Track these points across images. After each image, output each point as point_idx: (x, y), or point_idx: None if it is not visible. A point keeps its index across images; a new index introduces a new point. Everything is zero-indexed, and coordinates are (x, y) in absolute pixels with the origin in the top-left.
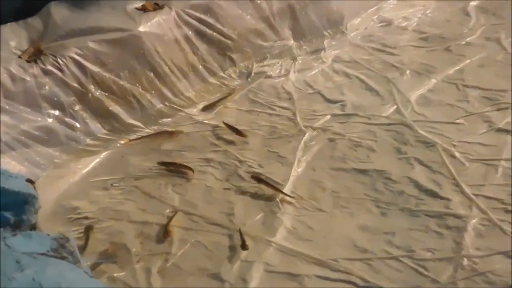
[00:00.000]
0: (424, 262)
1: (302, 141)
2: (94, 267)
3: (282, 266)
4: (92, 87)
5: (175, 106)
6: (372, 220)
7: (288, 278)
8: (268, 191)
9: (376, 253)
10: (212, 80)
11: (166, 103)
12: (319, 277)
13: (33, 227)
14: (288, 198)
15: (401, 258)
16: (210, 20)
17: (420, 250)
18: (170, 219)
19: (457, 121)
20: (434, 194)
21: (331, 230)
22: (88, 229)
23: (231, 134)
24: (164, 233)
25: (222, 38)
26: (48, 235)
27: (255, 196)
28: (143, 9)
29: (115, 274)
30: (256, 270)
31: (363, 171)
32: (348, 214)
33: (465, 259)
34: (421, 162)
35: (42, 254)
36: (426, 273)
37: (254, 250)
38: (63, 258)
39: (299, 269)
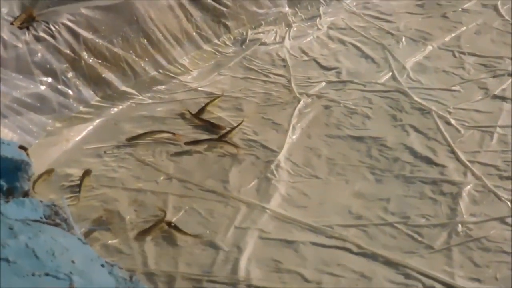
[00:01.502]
0: (418, 228)
1: (297, 108)
2: (87, 234)
3: (277, 233)
4: (85, 54)
5: (169, 73)
6: (367, 187)
7: (283, 245)
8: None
9: (371, 220)
10: (206, 47)
11: (160, 70)
12: (314, 243)
13: (26, 194)
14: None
15: (396, 224)
16: None
17: (415, 216)
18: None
19: (453, 88)
20: (429, 161)
21: (326, 197)
22: (85, 174)
23: (227, 101)
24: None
25: (216, 5)
26: (41, 201)
27: (249, 163)
28: None
29: (109, 241)
30: (251, 237)
31: (359, 138)
32: (343, 181)
33: (460, 225)
34: (416, 129)
35: (35, 221)
36: (420, 239)
37: (248, 216)
38: (56, 225)
39: (294, 236)
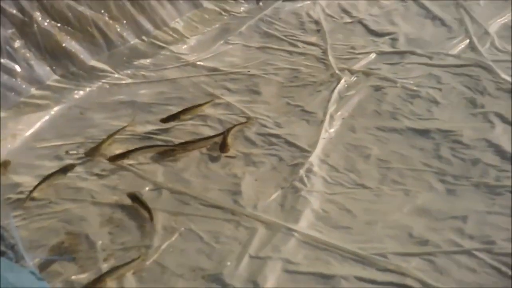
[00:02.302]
0: (507, 257)
1: (336, 90)
2: (44, 266)
3: (308, 264)
4: (38, 15)
5: (157, 42)
6: (435, 201)
7: (316, 280)
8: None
9: (440, 246)
10: (208, 4)
11: (144, 37)
12: (360, 279)
13: None
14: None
15: (475, 252)
16: None
17: (501, 241)
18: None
19: None
20: None
21: (377, 214)
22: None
23: (238, 81)
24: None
25: None
26: None
27: (270, 167)
28: None
29: (73, 277)
30: (272, 270)
31: (423, 132)
32: (401, 191)
33: None
34: (504, 119)
35: None
36: (510, 272)
37: (269, 241)
38: (0, 253)
39: (332, 269)
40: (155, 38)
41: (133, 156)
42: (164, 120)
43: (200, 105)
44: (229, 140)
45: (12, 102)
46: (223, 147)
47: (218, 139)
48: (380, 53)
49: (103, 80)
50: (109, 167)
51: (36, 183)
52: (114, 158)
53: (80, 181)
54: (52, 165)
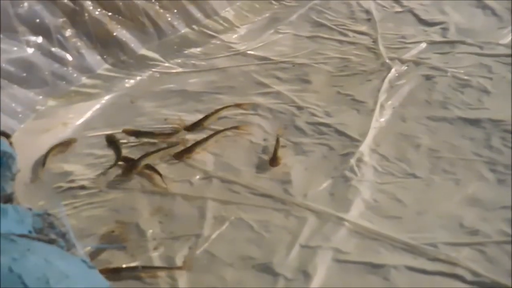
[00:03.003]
0: None
1: (387, 79)
2: (95, 254)
3: (359, 254)
4: (89, 4)
5: (207, 31)
6: (486, 190)
7: (367, 270)
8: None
9: (491, 236)
10: None
11: (194, 26)
12: (411, 268)
13: (10, 199)
14: None
15: None
16: None
17: None
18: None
19: None
20: None
21: (428, 204)
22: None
23: (288, 70)
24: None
25: None
26: (30, 210)
27: (320, 156)
28: None
29: (124, 265)
30: (323, 259)
31: (473, 122)
32: (452, 181)
33: None
34: None
35: (22, 236)
36: None
37: (319, 231)
38: (51, 241)
39: (383, 258)
40: (205, 27)
41: (197, 149)
42: (188, 129)
43: (220, 109)
44: (279, 153)
45: (63, 90)
46: (274, 160)
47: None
48: (431, 43)
49: (153, 69)
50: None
51: (86, 171)
52: (179, 155)
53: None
54: (102, 154)
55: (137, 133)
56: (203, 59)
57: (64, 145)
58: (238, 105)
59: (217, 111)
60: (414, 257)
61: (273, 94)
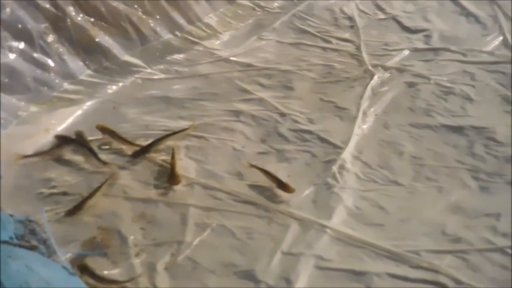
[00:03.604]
0: None
1: (370, 86)
2: (76, 261)
3: (341, 261)
4: (71, 10)
5: (190, 37)
6: (469, 198)
7: (349, 277)
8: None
9: (473, 244)
10: (242, 0)
11: (177, 32)
12: (393, 276)
13: None
14: None
15: (508, 250)
16: None
17: None
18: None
19: None
20: None
21: (410, 212)
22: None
23: (272, 76)
24: (171, 176)
25: None
26: (12, 216)
27: (303, 163)
28: None
29: (105, 272)
30: (305, 266)
31: (456, 129)
32: (434, 188)
33: None
34: None
35: (4, 242)
36: None
37: (302, 238)
38: (32, 248)
39: (365, 265)
40: (189, 33)
41: (154, 149)
42: (134, 155)
43: (169, 135)
44: (177, 169)
45: (45, 96)
46: (172, 178)
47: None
48: (414, 50)
49: (136, 75)
50: (142, 162)
51: (67, 177)
52: (137, 153)
53: (112, 175)
54: (83, 160)
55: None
56: (186, 65)
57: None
58: (184, 130)
59: (163, 138)
60: (396, 265)
61: (256, 100)
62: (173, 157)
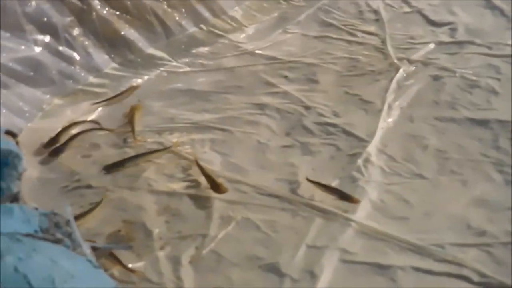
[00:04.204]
0: None
1: (395, 80)
2: (101, 254)
3: (365, 254)
4: (96, 3)
5: (215, 30)
6: (494, 191)
7: (373, 270)
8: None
9: (498, 237)
10: None
11: (202, 25)
12: (417, 269)
13: (16, 199)
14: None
15: None
16: None
17: None
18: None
19: None
20: None
21: (435, 205)
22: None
23: (296, 69)
24: (214, 185)
25: None
26: (36, 209)
27: (328, 156)
28: None
29: (129, 265)
30: (329, 259)
31: (481, 122)
32: (459, 182)
33: None
34: None
35: (28, 235)
36: None
37: (326, 231)
38: (57, 241)
39: (389, 259)
40: (214, 26)
41: (129, 164)
42: (106, 169)
43: (150, 153)
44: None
45: (70, 89)
46: (215, 186)
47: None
48: (439, 43)
49: (161, 68)
50: (167, 155)
51: (92, 171)
52: (109, 168)
53: (137, 169)
54: (109, 153)
55: None
56: (211, 58)
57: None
58: (167, 148)
59: (141, 156)
60: (421, 258)
61: (280, 94)
62: (200, 166)
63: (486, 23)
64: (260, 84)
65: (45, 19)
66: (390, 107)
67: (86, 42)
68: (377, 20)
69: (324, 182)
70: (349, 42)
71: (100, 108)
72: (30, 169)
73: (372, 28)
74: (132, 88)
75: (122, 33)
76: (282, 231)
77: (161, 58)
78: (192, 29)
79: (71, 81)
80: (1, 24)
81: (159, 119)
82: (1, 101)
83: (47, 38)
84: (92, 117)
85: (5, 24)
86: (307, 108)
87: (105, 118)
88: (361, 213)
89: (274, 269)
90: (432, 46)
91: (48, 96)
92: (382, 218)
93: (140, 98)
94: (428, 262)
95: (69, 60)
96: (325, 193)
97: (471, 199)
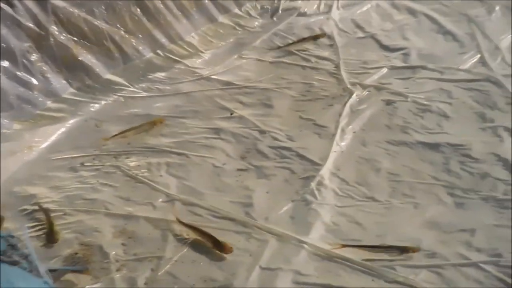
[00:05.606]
0: None
1: (348, 104)
2: (58, 276)
3: (318, 276)
4: (54, 29)
5: (172, 56)
6: (444, 214)
7: None
8: (302, 171)
9: (448, 258)
10: (223, 19)
11: (159, 51)
12: None
13: None
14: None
15: (483, 265)
16: None
17: (509, 254)
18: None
19: None
20: None
21: (387, 227)
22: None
23: (251, 95)
24: (49, 235)
25: None
26: None
27: (282, 179)
28: None
29: (86, 287)
30: (283, 281)
31: (433, 146)
32: (411, 204)
33: None
34: None
35: None
36: None
37: (280, 253)
38: (14, 263)
39: (342, 280)
40: (170, 52)
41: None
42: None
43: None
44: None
45: (28, 114)
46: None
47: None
48: (392, 68)
49: (118, 93)
50: (123, 179)
51: (50, 194)
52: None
53: (94, 192)
54: (66, 176)
55: None
56: (168, 83)
57: (150, 125)
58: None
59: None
60: (372, 279)
61: (236, 118)
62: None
63: (438, 48)
64: (216, 109)
65: (3, 44)
66: (343, 131)
67: (44, 68)
68: (331, 45)
69: (277, 205)
70: (303, 67)
71: (58, 133)
72: None
73: (326, 53)
74: (152, 123)
75: (80, 58)
76: (236, 253)
77: (118, 84)
78: (149, 54)
79: (30, 106)
80: None
81: (116, 143)
82: None
83: (5, 63)
84: (49, 142)
85: None
86: (262, 132)
87: (63, 142)
88: (314, 235)
89: None
90: (385, 71)
91: (7, 120)
92: (335, 240)
93: (97, 123)
94: (379, 283)
95: (27, 85)
96: (199, 237)
97: (422, 221)
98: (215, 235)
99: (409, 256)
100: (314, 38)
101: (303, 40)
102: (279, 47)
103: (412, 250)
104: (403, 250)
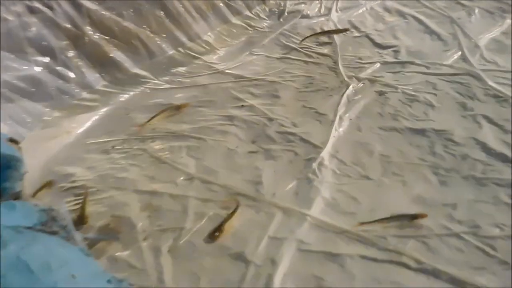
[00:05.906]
0: (491, 240)
1: (345, 95)
2: (92, 244)
3: (319, 244)
4: (88, 29)
5: (191, 53)
6: (429, 190)
7: (326, 258)
8: (305, 153)
9: (433, 229)
10: (235, 20)
11: (180, 48)
12: (363, 257)
13: (18, 197)
14: None
15: (463, 235)
16: None
17: (486, 225)
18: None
19: None
20: (505, 159)
21: (379, 202)
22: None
23: (260, 86)
24: (81, 217)
25: None
26: (36, 205)
27: (287, 161)
28: None
29: (117, 253)
30: (288, 249)
31: (420, 131)
32: (400, 182)
33: None
34: (490, 120)
35: (28, 228)
36: (493, 253)
37: (285, 225)
38: (53, 233)
39: (339, 248)
40: (190, 49)
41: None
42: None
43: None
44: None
45: (66, 103)
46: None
47: None
48: (384, 63)
49: (144, 85)
50: (149, 160)
51: (86, 173)
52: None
53: (124, 171)
54: (99, 158)
55: None
56: (188, 77)
57: (176, 109)
58: (178, 107)
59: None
60: (366, 247)
61: (247, 107)
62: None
63: (425, 45)
64: (230, 99)
65: (44, 42)
66: (341, 118)
67: (80, 63)
68: (330, 43)
69: (283, 183)
70: (306, 62)
71: (92, 120)
72: (31, 171)
73: (326, 50)
74: (178, 107)
75: (111, 55)
76: (247, 224)
77: (144, 77)
78: (171, 51)
79: (67, 96)
80: (6, 47)
81: (144, 129)
82: (7, 113)
83: (46, 59)
84: (85, 127)
85: (9, 47)
86: (270, 119)
87: (96, 128)
88: (316, 209)
89: (240, 257)
90: (377, 65)
91: (47, 109)
92: (333, 213)
93: (126, 111)
94: (372, 251)
95: (65, 78)
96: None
97: (410, 197)
98: (229, 209)
99: (419, 223)
100: (339, 31)
101: (330, 32)
102: (305, 38)
103: (421, 216)
104: (412, 217)
